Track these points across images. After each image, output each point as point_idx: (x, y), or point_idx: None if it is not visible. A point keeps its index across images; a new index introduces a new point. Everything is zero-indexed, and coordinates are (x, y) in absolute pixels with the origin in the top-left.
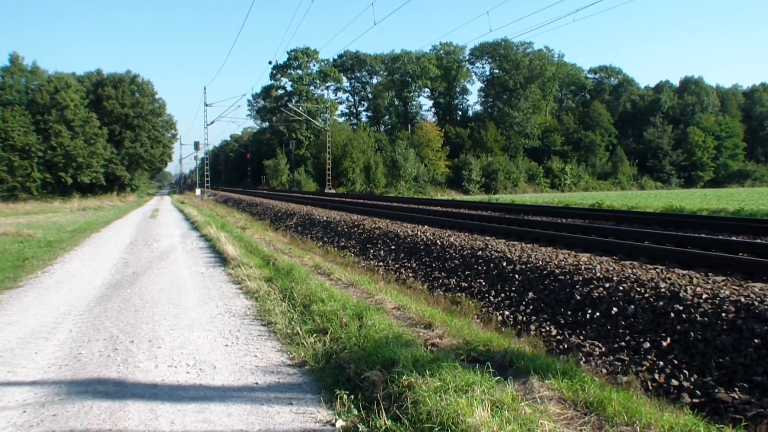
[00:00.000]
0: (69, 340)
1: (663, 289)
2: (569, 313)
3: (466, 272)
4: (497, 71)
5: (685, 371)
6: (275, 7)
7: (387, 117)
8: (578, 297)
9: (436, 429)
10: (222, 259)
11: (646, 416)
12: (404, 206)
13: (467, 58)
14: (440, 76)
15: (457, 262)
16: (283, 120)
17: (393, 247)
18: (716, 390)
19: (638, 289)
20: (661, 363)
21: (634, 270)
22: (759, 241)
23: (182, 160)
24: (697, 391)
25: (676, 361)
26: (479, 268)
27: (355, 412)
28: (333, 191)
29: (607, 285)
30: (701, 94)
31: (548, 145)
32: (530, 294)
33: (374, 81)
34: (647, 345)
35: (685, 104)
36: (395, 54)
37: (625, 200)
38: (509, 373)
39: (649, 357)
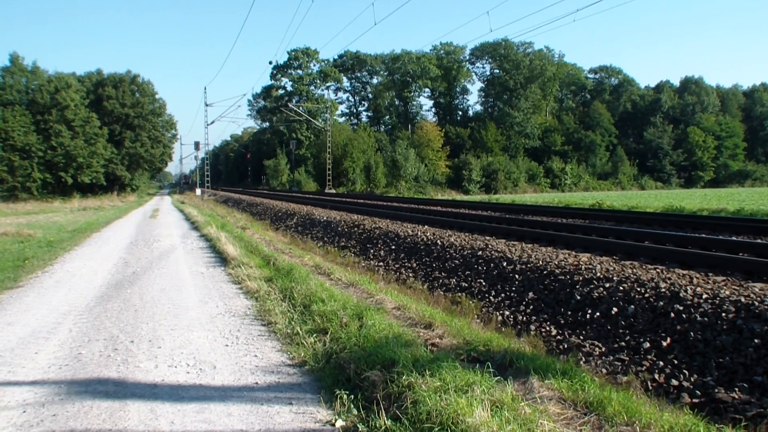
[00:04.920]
0: (69, 340)
1: (663, 289)
2: (569, 313)
3: (467, 272)
4: (497, 71)
5: (685, 371)
6: (275, 7)
7: (387, 117)
8: (578, 297)
9: (436, 429)
10: (222, 259)
11: (646, 416)
12: (404, 206)
13: (467, 58)
14: (440, 76)
15: (457, 262)
16: (283, 120)
17: (393, 247)
18: (716, 390)
19: (638, 289)
20: (661, 363)
21: (634, 270)
22: (759, 241)
23: (182, 160)
24: (697, 391)
25: (676, 361)
26: (479, 268)
27: (355, 412)
28: (333, 191)
29: (607, 285)
30: (701, 94)
31: (548, 145)
32: (530, 294)
33: (374, 81)
34: (647, 345)
35: (686, 104)
36: (395, 54)
37: (625, 200)
38: (509, 373)
39: (649, 357)
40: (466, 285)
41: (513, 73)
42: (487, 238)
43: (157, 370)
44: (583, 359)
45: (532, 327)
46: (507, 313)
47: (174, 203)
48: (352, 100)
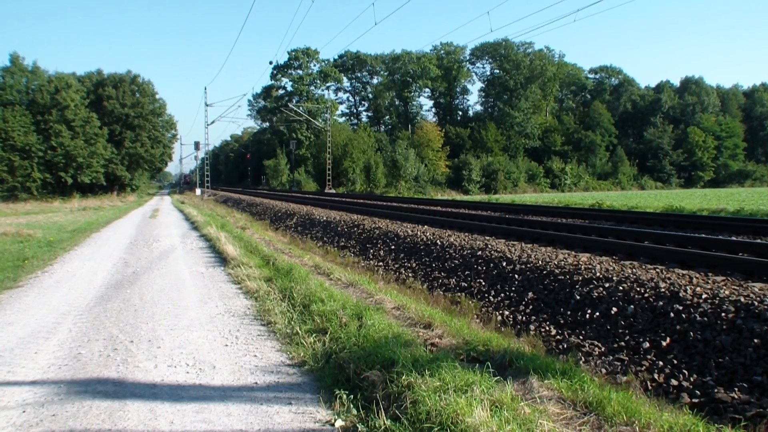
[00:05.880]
0: (69, 339)
1: (663, 289)
2: (569, 313)
3: (466, 272)
4: (498, 71)
5: (684, 371)
6: (275, 7)
7: (387, 117)
8: (578, 297)
9: (436, 429)
10: (222, 259)
11: (645, 416)
12: (404, 206)
13: (468, 58)
14: (441, 76)
15: (456, 262)
16: (283, 120)
17: (393, 247)
18: (716, 390)
19: (638, 289)
20: (661, 363)
21: (634, 270)
22: (759, 241)
23: (182, 160)
24: (697, 391)
25: (675, 361)
26: (479, 268)
27: (355, 411)
28: (333, 191)
29: (606, 285)
30: (701, 94)
31: (548, 145)
32: (530, 294)
33: (375, 81)
34: (647, 345)
35: (686, 104)
36: (396, 54)
37: (625, 200)
38: (509, 373)
39: (649, 357)
40: (466, 285)
41: (513, 73)
42: (487, 238)
43: (157, 370)
44: (583, 359)
45: (532, 327)
46: (506, 313)
47: (174, 203)
48: (352, 100)
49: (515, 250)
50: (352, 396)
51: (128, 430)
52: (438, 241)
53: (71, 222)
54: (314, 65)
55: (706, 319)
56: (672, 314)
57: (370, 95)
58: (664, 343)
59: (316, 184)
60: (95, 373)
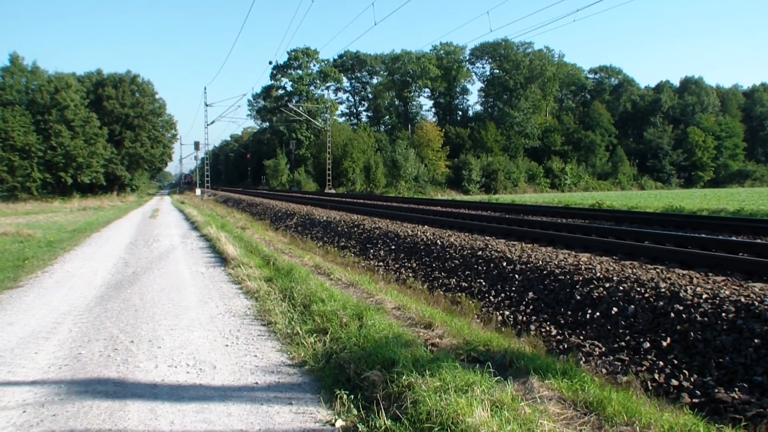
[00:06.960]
0: (69, 340)
1: (663, 289)
2: (569, 313)
3: (466, 272)
4: (497, 71)
5: (685, 371)
6: (275, 7)
7: (387, 117)
8: (578, 297)
9: (436, 429)
10: (222, 259)
11: (645, 416)
12: (404, 206)
13: (467, 58)
14: (440, 76)
15: (457, 262)
16: (283, 120)
17: (393, 247)
18: (716, 390)
19: (638, 289)
20: (661, 363)
21: (634, 270)
22: (759, 241)
23: (182, 160)
24: (697, 391)
25: (676, 361)
26: (479, 268)
27: (355, 411)
28: (333, 191)
29: (607, 285)
30: (701, 94)
31: (548, 145)
32: (530, 294)
33: (374, 81)
34: (647, 345)
35: (685, 104)
36: (395, 54)
37: (625, 200)
38: (509, 373)
39: (649, 357)
40: (466, 285)
41: (513, 73)
42: (487, 238)
43: (157, 370)
44: (583, 359)
45: (532, 327)
46: (507, 313)
47: (174, 203)
48: (352, 100)
49: (515, 250)
50: (352, 396)
51: (129, 430)
52: (438, 241)
53: (71, 222)
54: (314, 65)
55: (706, 319)
56: (672, 314)
57: (370, 95)
58: (664, 343)
59: (316, 184)
60: (96, 373)
